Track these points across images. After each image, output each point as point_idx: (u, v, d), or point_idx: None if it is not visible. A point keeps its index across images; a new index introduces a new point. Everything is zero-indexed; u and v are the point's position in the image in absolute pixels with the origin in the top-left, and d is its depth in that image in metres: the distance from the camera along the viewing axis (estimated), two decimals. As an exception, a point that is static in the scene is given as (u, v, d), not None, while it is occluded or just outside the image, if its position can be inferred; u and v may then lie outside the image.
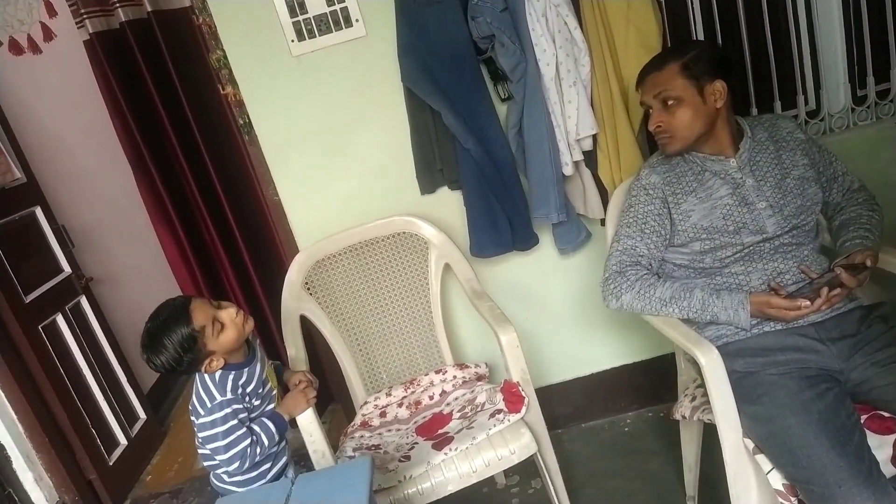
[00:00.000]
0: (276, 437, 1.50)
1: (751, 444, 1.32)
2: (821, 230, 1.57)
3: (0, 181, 2.37)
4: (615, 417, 2.32)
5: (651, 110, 1.51)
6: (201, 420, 1.44)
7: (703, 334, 1.45)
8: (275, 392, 1.59)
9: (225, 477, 1.52)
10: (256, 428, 1.48)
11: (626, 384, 2.29)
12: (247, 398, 1.48)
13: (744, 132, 1.52)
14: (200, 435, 1.46)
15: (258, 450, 1.45)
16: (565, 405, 2.30)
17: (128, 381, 2.86)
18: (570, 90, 1.81)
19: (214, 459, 1.46)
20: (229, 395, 1.44)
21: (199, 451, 1.51)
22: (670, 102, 1.45)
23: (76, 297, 2.68)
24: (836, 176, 1.56)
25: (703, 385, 1.45)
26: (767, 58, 2.04)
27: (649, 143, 1.97)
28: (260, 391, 1.52)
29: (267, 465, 1.51)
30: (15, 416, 2.29)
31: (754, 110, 2.08)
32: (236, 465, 1.43)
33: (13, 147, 2.51)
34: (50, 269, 2.60)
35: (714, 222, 1.47)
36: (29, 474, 2.34)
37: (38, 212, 2.59)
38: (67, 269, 2.67)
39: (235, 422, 1.43)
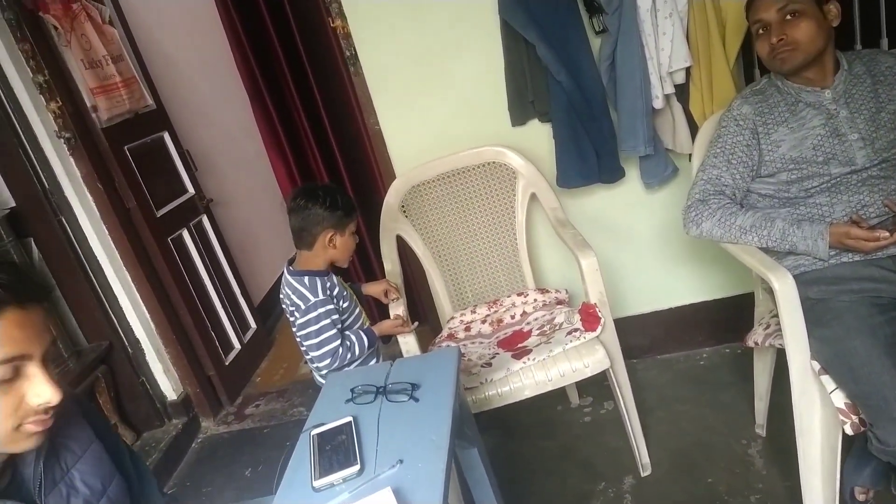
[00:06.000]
0: (367, 349, 1.76)
1: (817, 366, 1.38)
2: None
3: (135, 106, 2.66)
4: (691, 351, 2.39)
5: (762, 30, 1.50)
6: (299, 321, 1.70)
7: (782, 264, 1.50)
8: (357, 304, 1.83)
9: (320, 379, 1.77)
10: (353, 337, 1.72)
11: (704, 320, 2.35)
12: (334, 300, 1.72)
13: (840, 64, 1.52)
14: (298, 334, 1.72)
15: (348, 355, 1.70)
16: (642, 337, 2.39)
17: (241, 293, 3.20)
18: (665, 22, 1.83)
19: (311, 356, 1.71)
20: (321, 296, 1.69)
21: (304, 354, 1.76)
22: (793, 16, 1.44)
23: (199, 216, 2.99)
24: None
25: (778, 315, 1.51)
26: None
27: (745, 77, 1.97)
28: (345, 294, 1.78)
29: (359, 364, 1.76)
30: (148, 315, 2.64)
31: (858, 46, 2.00)
32: (327, 361, 1.68)
33: (144, 75, 2.79)
34: (177, 189, 2.91)
35: (804, 153, 1.50)
36: (159, 366, 2.69)
37: (167, 136, 2.87)
38: (191, 190, 2.97)
39: (328, 321, 1.67)
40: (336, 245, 1.71)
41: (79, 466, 0.94)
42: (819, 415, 1.40)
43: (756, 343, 1.67)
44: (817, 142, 1.49)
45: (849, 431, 1.31)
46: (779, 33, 1.48)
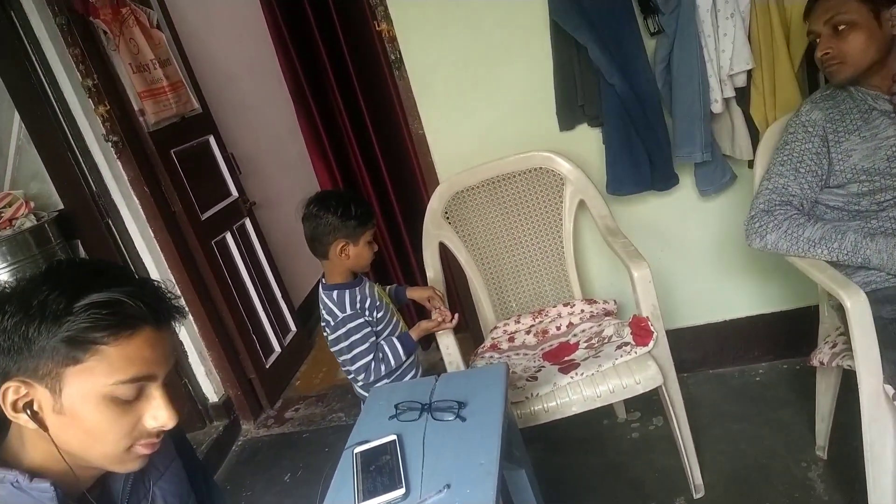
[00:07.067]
0: (403, 357, 1.71)
1: (891, 391, 1.29)
2: None
3: (181, 110, 2.69)
4: (746, 366, 2.29)
5: (819, 39, 1.45)
6: (330, 337, 1.68)
7: (852, 279, 1.41)
8: (394, 311, 1.79)
9: (360, 390, 1.74)
10: (385, 347, 1.68)
11: (761, 334, 2.25)
12: (366, 312, 1.68)
13: None
14: (332, 349, 1.70)
15: (382, 367, 1.66)
16: (694, 350, 2.30)
17: (282, 296, 3.22)
18: (726, 22, 1.76)
19: (347, 369, 1.69)
20: (349, 311, 1.65)
21: (342, 366, 1.74)
22: (842, 27, 1.39)
23: (242, 219, 3.02)
24: None
25: (845, 333, 1.42)
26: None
27: (809, 81, 1.87)
28: (378, 304, 1.73)
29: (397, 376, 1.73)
30: (192, 318, 2.66)
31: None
32: (363, 375, 1.67)
33: (191, 79, 2.82)
34: (221, 192, 2.93)
35: (876, 164, 1.41)
36: (201, 368, 2.72)
37: (212, 140, 2.90)
38: (235, 193, 3.00)
39: (358, 336, 1.64)
40: (349, 255, 1.64)
41: (161, 484, 0.93)
42: (892, 443, 1.32)
43: (822, 363, 1.58)
44: (892, 152, 1.40)
45: (928, 463, 1.22)
46: (825, 47, 1.42)
